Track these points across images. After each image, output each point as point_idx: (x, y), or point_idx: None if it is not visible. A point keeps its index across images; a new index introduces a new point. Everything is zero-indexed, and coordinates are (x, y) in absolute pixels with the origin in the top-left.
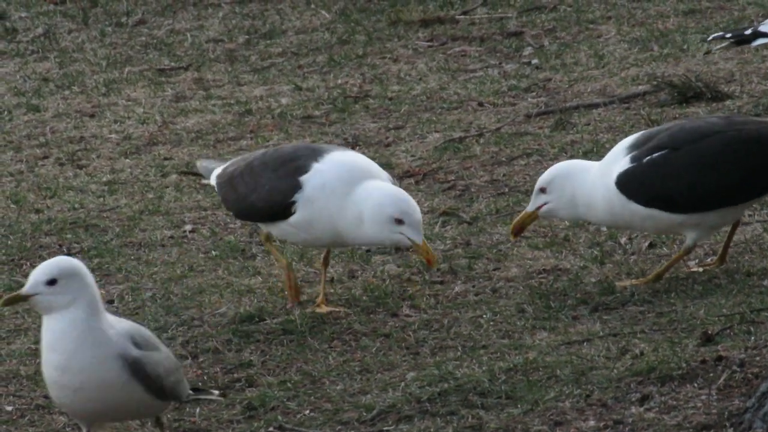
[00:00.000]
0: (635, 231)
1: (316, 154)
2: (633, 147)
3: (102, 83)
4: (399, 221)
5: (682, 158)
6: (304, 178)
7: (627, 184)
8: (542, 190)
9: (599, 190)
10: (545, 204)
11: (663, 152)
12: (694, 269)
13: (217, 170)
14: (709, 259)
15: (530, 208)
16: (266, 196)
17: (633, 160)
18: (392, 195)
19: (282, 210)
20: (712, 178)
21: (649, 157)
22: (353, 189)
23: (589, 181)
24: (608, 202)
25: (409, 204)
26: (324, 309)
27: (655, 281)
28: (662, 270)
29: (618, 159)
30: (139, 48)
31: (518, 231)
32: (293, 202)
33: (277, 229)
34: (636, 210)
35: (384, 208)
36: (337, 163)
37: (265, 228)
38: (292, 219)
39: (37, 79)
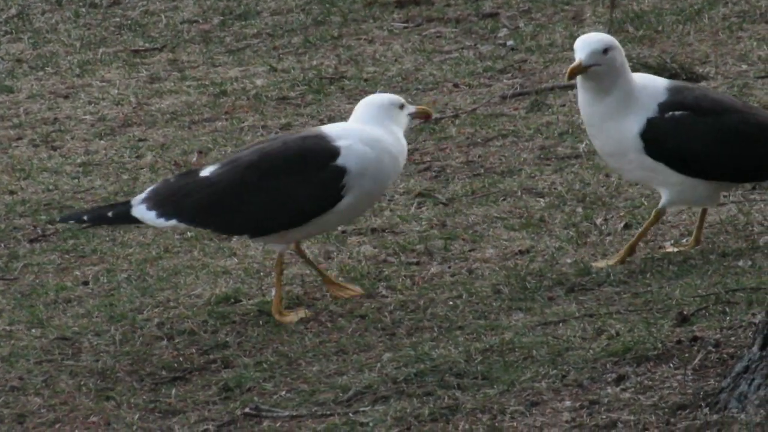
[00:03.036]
0: (618, 172)
1: (325, 137)
2: (668, 92)
3: (76, 64)
4: (402, 106)
5: (702, 125)
6: (342, 161)
7: (646, 133)
8: (605, 51)
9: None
10: (599, 65)
11: (685, 113)
12: (670, 249)
13: (149, 211)
14: (684, 240)
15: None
16: (306, 197)
17: (659, 110)
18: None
19: (330, 201)
20: (725, 150)
21: (671, 113)
22: (377, 127)
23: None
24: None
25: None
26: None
27: (629, 254)
28: (635, 240)
29: (652, 100)
30: (113, 29)
31: (572, 77)
32: (342, 187)
33: (313, 226)
34: (645, 160)
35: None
36: (352, 132)
37: (288, 235)
38: (342, 204)
39: (10, 60)
